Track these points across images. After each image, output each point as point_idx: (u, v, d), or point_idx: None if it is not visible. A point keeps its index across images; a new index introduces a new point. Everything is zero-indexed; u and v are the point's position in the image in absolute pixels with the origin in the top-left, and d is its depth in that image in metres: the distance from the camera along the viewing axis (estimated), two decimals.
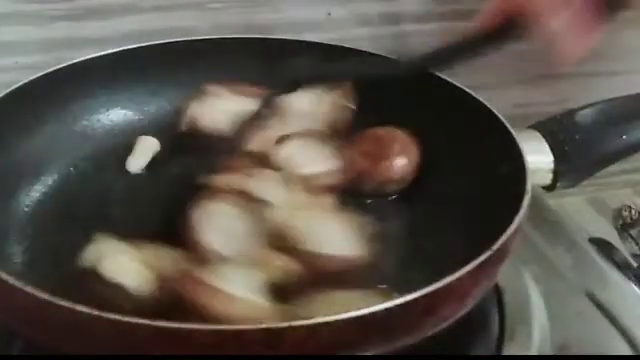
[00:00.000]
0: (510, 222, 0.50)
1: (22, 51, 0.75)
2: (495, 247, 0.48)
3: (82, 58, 0.67)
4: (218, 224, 0.55)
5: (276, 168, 0.60)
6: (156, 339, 0.43)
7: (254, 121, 0.64)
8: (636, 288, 0.64)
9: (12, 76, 0.65)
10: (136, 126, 0.70)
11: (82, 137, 0.67)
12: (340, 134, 0.66)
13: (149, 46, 0.70)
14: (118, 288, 0.50)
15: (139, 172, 0.66)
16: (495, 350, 0.56)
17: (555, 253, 0.67)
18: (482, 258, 0.48)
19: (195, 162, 0.63)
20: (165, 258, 0.53)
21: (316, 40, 0.71)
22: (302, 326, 0.43)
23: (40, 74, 0.64)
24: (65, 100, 0.67)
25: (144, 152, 0.67)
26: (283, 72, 0.68)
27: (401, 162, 0.64)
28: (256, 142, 0.63)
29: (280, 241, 0.55)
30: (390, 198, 0.65)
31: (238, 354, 0.43)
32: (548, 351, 0.57)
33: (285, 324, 0.44)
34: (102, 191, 0.64)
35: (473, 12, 0.60)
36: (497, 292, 0.60)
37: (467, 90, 0.64)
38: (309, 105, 0.67)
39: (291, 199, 0.58)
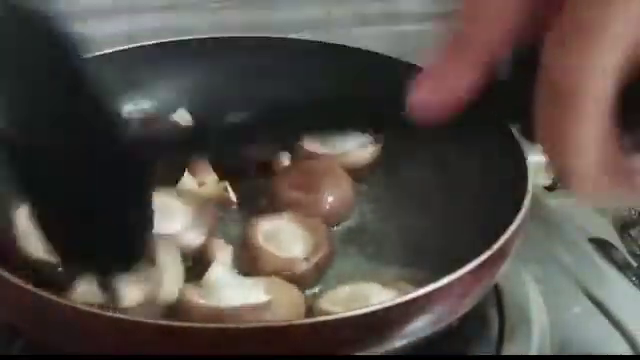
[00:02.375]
0: (511, 222, 0.50)
1: None
2: (496, 247, 0.48)
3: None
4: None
5: None
6: (156, 338, 0.43)
7: None
8: (636, 288, 0.64)
9: None
10: (135, 126, 0.70)
11: None
12: None
13: (149, 46, 0.70)
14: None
15: None
16: (495, 350, 0.56)
17: (555, 253, 0.67)
18: (482, 258, 0.47)
19: None
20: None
21: (316, 40, 0.71)
22: (302, 325, 0.43)
23: None
24: None
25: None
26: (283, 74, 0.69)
27: (330, 197, 0.62)
28: None
29: None
30: (390, 198, 0.65)
31: (238, 353, 0.43)
32: (548, 351, 0.57)
33: (285, 323, 0.44)
34: None
35: None
36: (497, 292, 0.60)
37: None
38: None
39: None
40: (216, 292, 0.51)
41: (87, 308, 0.43)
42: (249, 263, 0.56)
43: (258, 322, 0.47)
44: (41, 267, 0.54)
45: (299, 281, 0.55)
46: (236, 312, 0.49)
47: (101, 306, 0.47)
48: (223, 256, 0.56)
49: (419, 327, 0.47)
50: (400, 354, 0.47)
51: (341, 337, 0.44)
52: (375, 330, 0.45)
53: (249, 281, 0.53)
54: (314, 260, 0.56)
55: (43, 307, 0.44)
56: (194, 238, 0.57)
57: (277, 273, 0.54)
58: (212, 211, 0.61)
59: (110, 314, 0.43)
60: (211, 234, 0.59)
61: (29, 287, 0.44)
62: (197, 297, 0.51)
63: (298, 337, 0.43)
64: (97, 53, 0.68)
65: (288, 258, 0.56)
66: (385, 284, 0.54)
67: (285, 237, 0.57)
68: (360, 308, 0.44)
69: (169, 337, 0.42)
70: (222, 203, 0.63)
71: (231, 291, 0.51)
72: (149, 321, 0.42)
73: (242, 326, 0.44)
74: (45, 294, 0.44)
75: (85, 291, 0.51)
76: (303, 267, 0.55)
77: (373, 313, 0.44)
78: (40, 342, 0.49)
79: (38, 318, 0.46)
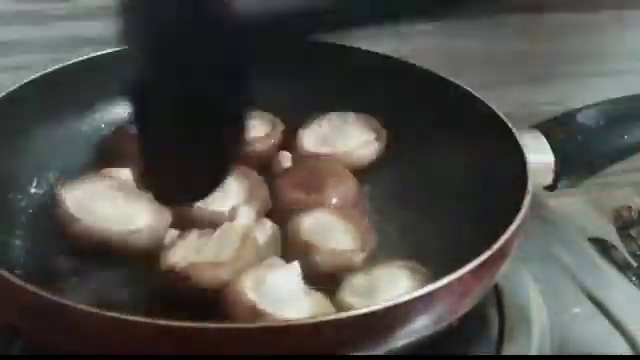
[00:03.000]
0: (511, 222, 0.50)
1: (22, 51, 0.75)
2: (495, 247, 0.48)
3: (82, 58, 0.67)
4: None
5: None
6: (156, 338, 0.43)
7: None
8: (636, 288, 0.64)
9: (12, 76, 0.64)
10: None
11: (82, 137, 0.67)
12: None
13: None
14: None
15: None
16: (495, 350, 0.56)
17: (555, 253, 0.67)
18: (482, 258, 0.48)
19: None
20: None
21: (316, 40, 0.71)
22: (302, 325, 0.43)
23: (40, 74, 0.64)
24: (65, 100, 0.67)
25: None
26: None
27: (334, 197, 0.61)
28: None
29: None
30: (391, 198, 0.65)
31: (238, 353, 0.43)
32: (548, 351, 0.57)
33: (285, 323, 0.44)
34: None
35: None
36: (497, 292, 0.60)
37: (468, 89, 0.64)
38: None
39: None
40: (270, 292, 0.50)
41: (87, 308, 0.43)
42: (300, 261, 0.54)
43: (258, 322, 0.47)
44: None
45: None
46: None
47: (101, 306, 0.47)
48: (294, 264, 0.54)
49: (419, 327, 0.47)
50: (400, 354, 0.47)
51: (341, 337, 0.44)
52: (375, 330, 0.45)
53: (302, 292, 0.52)
54: (368, 249, 0.56)
55: (43, 307, 0.44)
56: (246, 216, 0.57)
57: (335, 267, 0.54)
58: (264, 188, 0.61)
59: (110, 314, 0.43)
60: (263, 211, 0.59)
61: (29, 287, 0.45)
62: (249, 290, 0.50)
63: (298, 337, 0.43)
64: (97, 53, 0.68)
65: (344, 250, 0.55)
66: (399, 267, 0.54)
67: (331, 230, 0.57)
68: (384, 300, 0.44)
69: (169, 337, 0.43)
70: None
71: (284, 298, 0.51)
72: (149, 321, 0.42)
73: (242, 326, 0.44)
74: (45, 294, 0.44)
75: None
76: (359, 258, 0.55)
77: (373, 313, 0.44)
78: (40, 342, 0.49)
79: (38, 318, 0.46)
